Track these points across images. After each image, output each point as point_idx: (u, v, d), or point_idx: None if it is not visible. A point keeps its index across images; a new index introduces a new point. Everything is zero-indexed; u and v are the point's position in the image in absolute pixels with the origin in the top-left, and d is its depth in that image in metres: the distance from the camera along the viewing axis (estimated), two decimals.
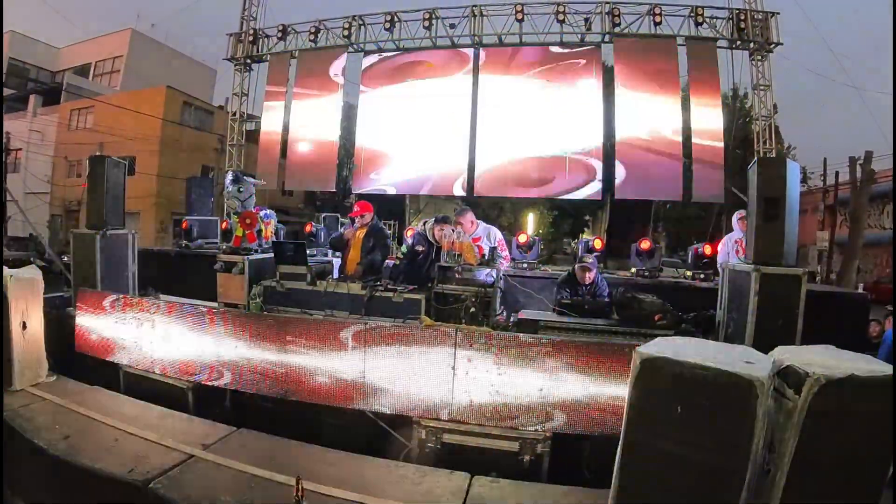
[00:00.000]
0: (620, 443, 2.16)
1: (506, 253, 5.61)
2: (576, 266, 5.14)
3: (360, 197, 9.17)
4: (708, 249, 7.05)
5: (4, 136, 22.38)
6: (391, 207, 14.68)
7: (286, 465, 2.70)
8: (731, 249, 5.94)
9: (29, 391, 3.65)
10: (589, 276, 5.05)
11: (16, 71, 27.22)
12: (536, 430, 3.03)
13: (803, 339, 3.46)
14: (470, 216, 5.41)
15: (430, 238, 5.27)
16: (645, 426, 2.10)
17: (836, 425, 1.95)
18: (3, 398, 3.40)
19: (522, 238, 7.79)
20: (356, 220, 5.51)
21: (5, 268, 3.82)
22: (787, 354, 2.14)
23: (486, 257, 4.86)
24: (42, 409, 3.39)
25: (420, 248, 5.31)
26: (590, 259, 5.17)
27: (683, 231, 23.88)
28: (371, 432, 3.32)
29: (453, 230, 5.04)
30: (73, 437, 3.00)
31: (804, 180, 24.19)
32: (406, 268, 5.36)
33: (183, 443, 2.94)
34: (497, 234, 5.49)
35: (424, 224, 5.45)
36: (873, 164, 15.47)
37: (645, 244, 7.33)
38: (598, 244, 7.13)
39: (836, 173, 19.16)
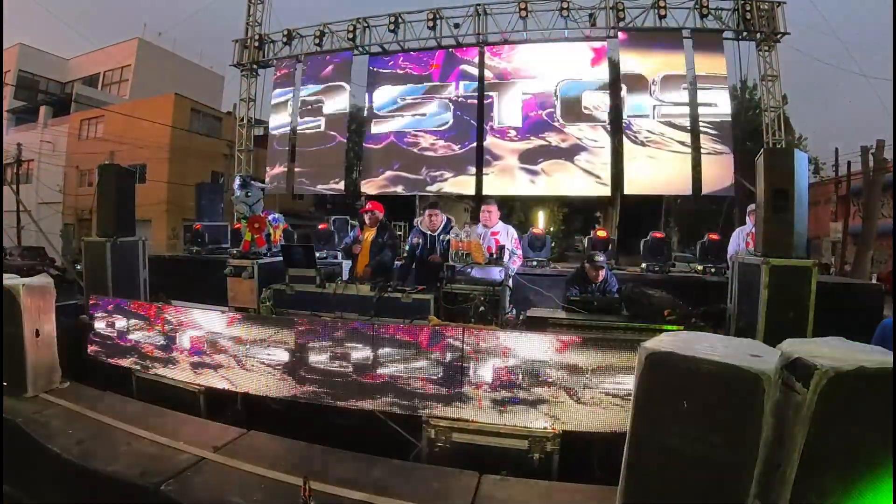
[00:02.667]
0: (627, 439, 2.15)
1: (520, 251, 5.75)
2: (586, 265, 5.14)
3: (371, 198, 9.24)
4: (714, 236, 7.08)
5: (17, 147, 22.74)
6: (400, 209, 14.72)
7: (295, 465, 2.72)
8: (741, 241, 5.92)
9: (43, 397, 3.70)
10: (600, 275, 5.06)
11: (26, 83, 27.63)
12: (545, 429, 3.03)
13: (817, 332, 3.42)
14: (496, 207, 5.62)
15: (423, 228, 5.35)
16: (651, 422, 2.10)
17: (846, 418, 1.91)
18: (2, 401, 3.47)
19: (537, 230, 7.98)
20: (367, 217, 5.56)
21: (18, 277, 3.89)
22: (796, 347, 2.11)
23: (495, 255, 4.87)
24: (56, 415, 3.44)
25: (416, 240, 5.43)
26: (600, 258, 5.17)
27: (695, 225, 23.69)
28: (380, 433, 3.34)
29: (466, 226, 5.11)
30: (87, 442, 3.04)
31: (816, 171, 23.94)
32: (410, 265, 5.45)
33: (194, 445, 2.97)
34: (514, 233, 5.65)
35: (419, 219, 5.55)
36: (885, 153, 15.25)
37: (657, 234, 7.37)
38: (601, 234, 7.22)
39: (849, 163, 18.91)
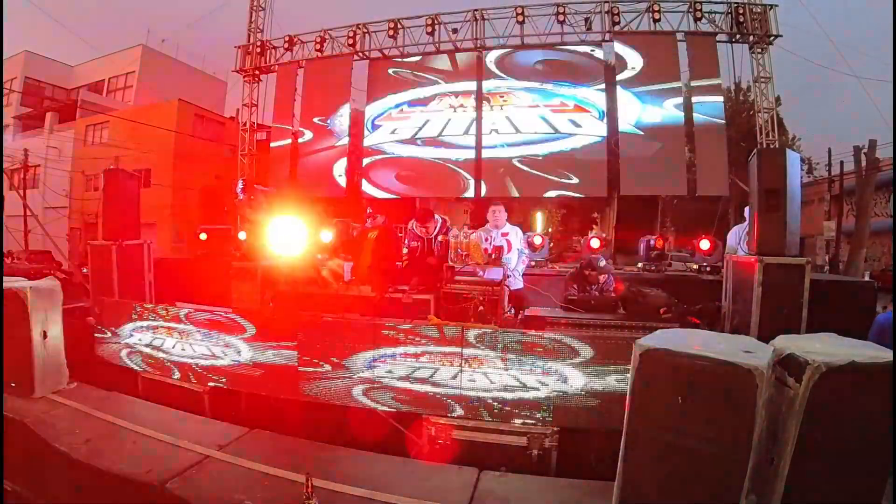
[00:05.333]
0: (623, 435, 2.17)
1: (528, 251, 6.03)
2: (590, 272, 5.17)
3: (371, 202, 9.29)
4: (706, 244, 7.13)
5: (23, 152, 22.88)
6: (401, 211, 14.74)
7: (298, 463, 2.75)
8: (741, 239, 5.94)
9: (50, 398, 3.75)
10: (602, 278, 5.12)
11: (32, 89, 27.77)
12: (544, 425, 3.07)
13: (811, 329, 3.46)
14: (504, 207, 5.77)
15: (418, 232, 5.43)
16: (646, 418, 2.12)
17: (837, 412, 1.95)
18: (2, 400, 3.52)
19: (538, 240, 8.10)
20: (368, 221, 5.63)
21: (26, 280, 3.95)
22: (788, 343, 2.14)
23: (493, 256, 4.92)
24: (63, 415, 3.49)
25: (415, 244, 5.50)
26: (603, 262, 5.23)
27: (691, 225, 23.67)
28: (382, 431, 3.38)
29: (464, 229, 5.18)
30: (94, 441, 3.09)
31: (810, 170, 23.98)
32: (411, 265, 5.52)
33: (198, 444, 3.02)
34: (521, 234, 5.80)
35: (413, 223, 5.63)
36: (878, 152, 15.29)
37: (659, 242, 7.40)
38: (595, 244, 7.35)
39: (841, 163, 18.90)
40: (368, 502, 2.47)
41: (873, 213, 17.07)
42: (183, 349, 4.09)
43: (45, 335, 3.81)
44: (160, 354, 4.19)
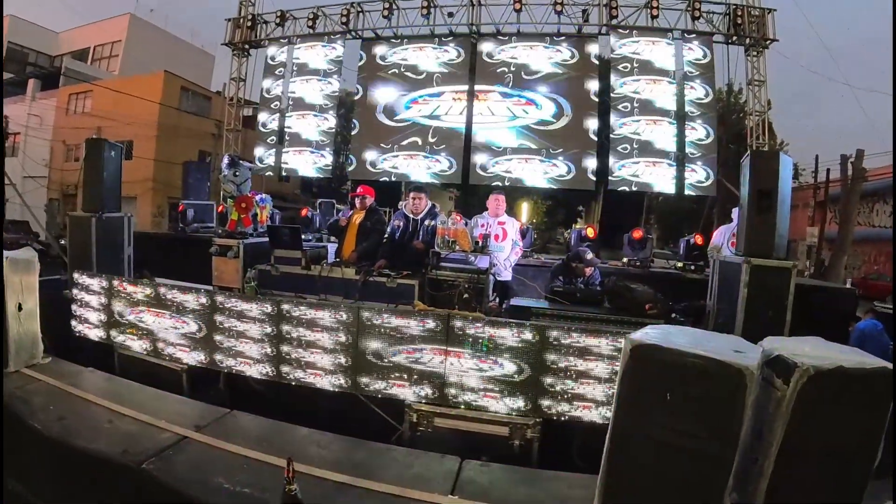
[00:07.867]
0: (609, 429, 2.16)
1: (521, 243, 5.97)
2: (577, 264, 5.17)
3: (357, 183, 9.15)
4: (699, 240, 7.21)
5: (3, 120, 22.26)
6: (386, 195, 14.63)
7: (278, 446, 2.72)
8: (727, 239, 6.00)
9: (24, 372, 3.65)
10: (589, 271, 5.13)
11: (15, 55, 26.98)
12: (526, 416, 3.07)
13: (792, 331, 3.49)
14: (504, 197, 5.98)
15: (406, 211, 5.36)
16: (634, 413, 2.11)
17: (823, 415, 1.96)
18: (2, 394, 3.34)
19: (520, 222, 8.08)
20: (357, 201, 5.54)
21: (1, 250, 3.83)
22: (777, 344, 2.15)
23: (480, 244, 4.89)
24: (37, 391, 3.40)
25: (397, 223, 5.42)
26: (589, 256, 5.24)
27: (675, 223, 24.02)
28: (363, 416, 3.35)
29: (450, 216, 5.13)
30: (68, 419, 3.01)
31: (796, 176, 24.37)
32: (389, 247, 5.39)
33: (176, 424, 2.95)
34: (517, 224, 5.93)
35: (403, 203, 5.57)
36: (864, 162, 15.55)
37: (637, 234, 7.48)
38: (590, 233, 7.39)
39: (828, 170, 19.13)
40: (349, 489, 2.43)
41: (856, 221, 17.42)
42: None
43: (20, 307, 3.70)
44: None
